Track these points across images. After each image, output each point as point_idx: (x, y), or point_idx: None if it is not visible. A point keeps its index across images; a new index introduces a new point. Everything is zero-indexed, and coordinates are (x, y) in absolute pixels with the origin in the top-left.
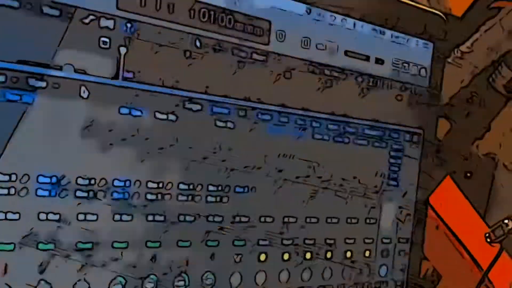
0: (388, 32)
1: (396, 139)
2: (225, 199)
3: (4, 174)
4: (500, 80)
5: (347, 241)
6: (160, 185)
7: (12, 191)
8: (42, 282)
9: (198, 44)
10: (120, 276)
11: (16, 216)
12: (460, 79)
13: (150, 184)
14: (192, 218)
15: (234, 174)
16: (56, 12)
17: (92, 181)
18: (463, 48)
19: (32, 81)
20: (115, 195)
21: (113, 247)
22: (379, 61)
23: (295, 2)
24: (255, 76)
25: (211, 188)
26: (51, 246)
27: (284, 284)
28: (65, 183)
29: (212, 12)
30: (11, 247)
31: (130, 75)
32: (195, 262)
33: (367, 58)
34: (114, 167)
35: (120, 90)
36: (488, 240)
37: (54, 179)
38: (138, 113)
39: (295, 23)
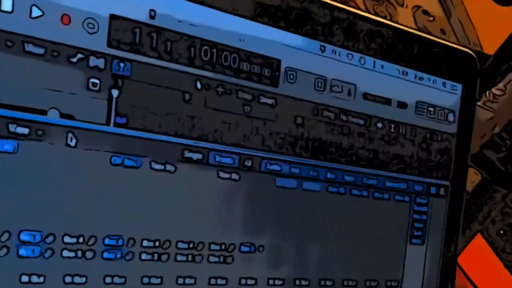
0: (412, 72)
1: (420, 192)
2: (229, 259)
3: None
4: None
5: None
6: (157, 243)
7: None
8: None
9: (198, 85)
10: None
11: None
12: (492, 125)
13: (146, 243)
14: (193, 281)
15: (239, 231)
16: (40, 50)
17: (81, 239)
18: (495, 90)
19: (12, 127)
20: (106, 255)
21: None
22: (402, 105)
23: (308, 39)
24: (262, 121)
25: (213, 247)
26: None
27: None
28: (50, 241)
29: (214, 50)
30: None
31: (123, 120)
32: None
33: (388, 102)
34: (106, 223)
35: (112, 137)
36: None
37: (38, 237)
38: (132, 163)
39: (307, 62)
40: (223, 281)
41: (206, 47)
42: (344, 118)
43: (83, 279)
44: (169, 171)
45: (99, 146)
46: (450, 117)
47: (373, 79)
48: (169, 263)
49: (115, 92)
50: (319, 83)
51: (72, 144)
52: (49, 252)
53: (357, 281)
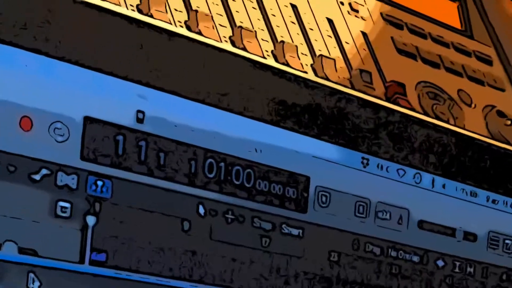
0: (483, 194)
1: None
2: None
3: None
4: None
5: None
6: None
7: None
8: None
9: (201, 211)
10: None
11: None
12: None
13: None
14: None
15: None
16: None
17: None
18: None
19: None
20: None
21: None
22: (470, 237)
23: (346, 150)
24: (286, 258)
25: None
26: None
27: None
28: None
29: (222, 164)
30: None
31: (101, 257)
32: None
33: (452, 232)
34: None
35: (87, 279)
36: None
37: None
38: None
39: (345, 180)
40: None
41: (211, 160)
42: (394, 253)
43: None
44: None
45: None
46: None
47: (432, 203)
48: None
49: (91, 220)
50: (361, 208)
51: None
52: None
53: None
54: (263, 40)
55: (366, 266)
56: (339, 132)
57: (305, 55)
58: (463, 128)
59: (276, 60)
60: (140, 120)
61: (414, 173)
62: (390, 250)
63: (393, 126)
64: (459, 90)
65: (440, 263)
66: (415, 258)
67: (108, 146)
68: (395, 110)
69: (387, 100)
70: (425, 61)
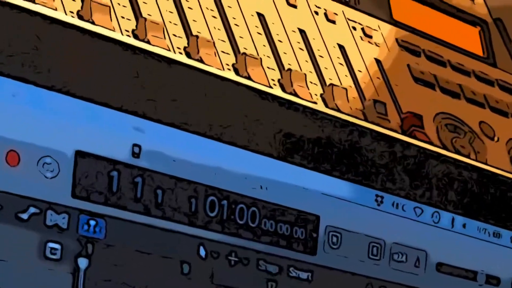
0: (506, 234)
1: None
2: None
3: None
4: None
5: None
6: None
7: None
8: None
9: (202, 252)
10: None
11: None
12: None
13: None
14: None
15: None
16: None
17: None
18: None
19: None
20: None
21: None
22: (493, 280)
23: (358, 186)
24: None
25: None
26: None
27: None
28: None
29: (224, 202)
30: None
31: None
32: None
33: (474, 276)
34: None
35: None
36: None
37: None
38: None
39: (357, 220)
40: None
41: (212, 197)
42: None
43: None
44: None
45: None
46: None
47: (451, 244)
48: None
49: (83, 262)
50: (375, 250)
51: None
52: None
53: None
54: (269, 68)
55: None
56: (351, 167)
57: (315, 84)
58: (485, 163)
59: (283, 89)
60: (136, 155)
61: (432, 212)
62: None
63: (410, 161)
64: (481, 122)
65: None
66: None
67: (101, 183)
68: (412, 144)
69: (403, 133)
70: (444, 90)
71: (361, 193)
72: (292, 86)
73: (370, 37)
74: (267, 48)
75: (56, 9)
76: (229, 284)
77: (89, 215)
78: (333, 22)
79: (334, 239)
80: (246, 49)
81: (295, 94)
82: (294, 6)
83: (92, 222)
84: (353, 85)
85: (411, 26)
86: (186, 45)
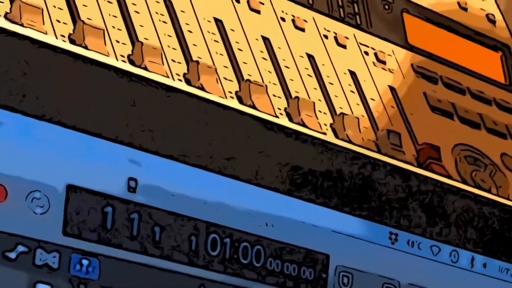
0: None
1: None
2: None
3: None
4: None
5: None
6: None
7: None
8: None
9: None
10: None
11: None
12: None
13: None
14: None
15: None
16: None
17: None
18: None
19: None
20: None
21: None
22: None
23: (371, 223)
24: None
25: None
26: None
27: None
28: None
29: (227, 240)
30: None
31: None
32: None
33: None
34: None
35: None
36: None
37: None
38: None
39: (370, 260)
40: None
41: (214, 235)
42: None
43: None
44: None
45: None
46: None
47: (471, 285)
48: None
49: None
50: None
51: None
52: None
53: None
54: (274, 96)
55: None
56: (363, 203)
57: (324, 113)
58: (507, 199)
59: (290, 119)
60: (132, 189)
61: (450, 250)
62: None
63: (426, 196)
64: (502, 154)
65: None
66: None
67: (95, 219)
68: (428, 178)
69: (419, 165)
70: (463, 120)
71: (374, 230)
72: (299, 115)
73: (384, 62)
74: (273, 75)
75: (46, 33)
76: None
77: (82, 254)
78: (344, 46)
79: (345, 280)
80: (250, 75)
81: (303, 124)
82: (302, 30)
83: (85, 262)
84: (365, 114)
85: (428, 51)
86: (186, 71)
